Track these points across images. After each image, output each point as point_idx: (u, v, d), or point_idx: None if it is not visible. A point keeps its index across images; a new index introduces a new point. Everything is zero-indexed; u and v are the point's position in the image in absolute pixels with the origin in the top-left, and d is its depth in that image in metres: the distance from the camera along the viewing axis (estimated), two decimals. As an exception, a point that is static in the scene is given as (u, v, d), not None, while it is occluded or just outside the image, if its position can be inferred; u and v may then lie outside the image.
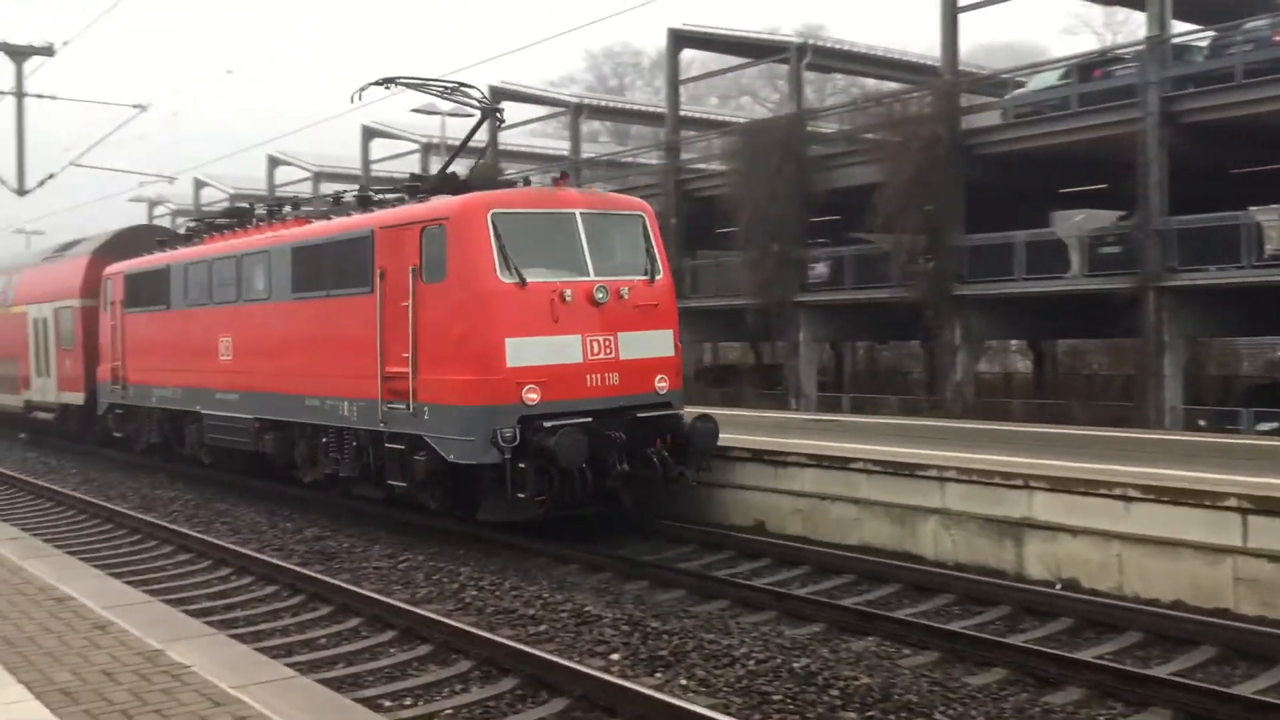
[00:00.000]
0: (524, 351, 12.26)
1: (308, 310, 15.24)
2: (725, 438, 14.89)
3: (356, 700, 6.65)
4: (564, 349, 12.48)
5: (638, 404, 12.99)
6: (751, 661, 8.21)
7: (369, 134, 43.88)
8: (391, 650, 8.97)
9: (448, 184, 14.21)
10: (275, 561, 11.91)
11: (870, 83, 37.96)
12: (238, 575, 11.88)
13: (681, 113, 34.00)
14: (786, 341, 28.33)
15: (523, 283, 12.33)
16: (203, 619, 8.60)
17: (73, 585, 7.62)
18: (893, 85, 31.32)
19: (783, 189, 27.34)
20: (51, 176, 25.15)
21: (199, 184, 53.47)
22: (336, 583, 10.73)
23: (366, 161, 44.74)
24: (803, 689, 7.66)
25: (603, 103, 44.49)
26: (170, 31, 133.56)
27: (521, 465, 11.93)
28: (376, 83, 14.68)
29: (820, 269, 27.77)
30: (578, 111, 37.55)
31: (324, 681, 7.28)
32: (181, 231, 21.45)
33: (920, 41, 43.97)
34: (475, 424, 12.13)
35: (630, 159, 42.50)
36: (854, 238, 27.97)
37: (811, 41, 30.78)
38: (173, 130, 31.58)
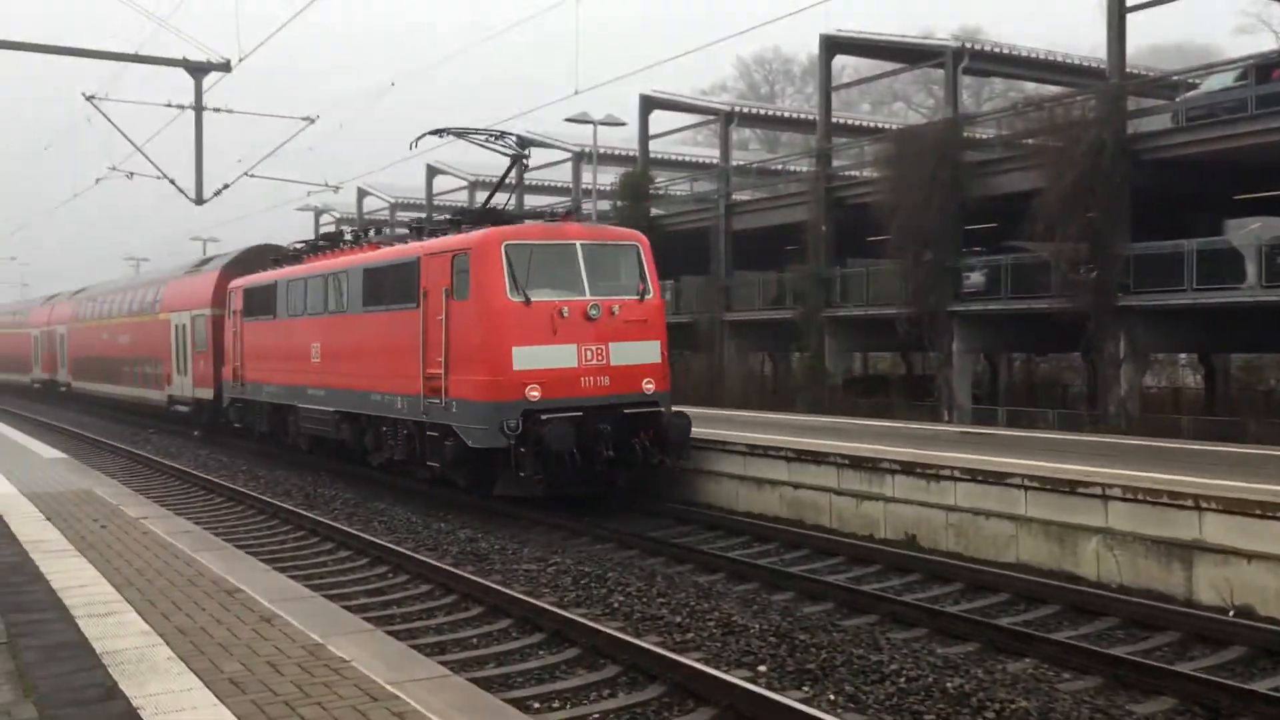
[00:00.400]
0: (528, 357, 14.90)
1: (373, 321, 18.18)
2: (875, 449, 14.72)
3: (506, 701, 6.74)
4: (561, 355, 15.11)
5: (625, 402, 15.46)
6: (902, 679, 8.03)
7: (523, 143, 44.69)
8: (540, 652, 9.08)
9: (488, 217, 17.05)
10: (430, 561, 12.16)
11: (1030, 86, 36.87)
12: (394, 573, 12.20)
13: (833, 119, 33.61)
14: (939, 352, 27.66)
15: (528, 301, 15.01)
16: (361, 615, 8.85)
17: (241, 578, 7.93)
18: (1054, 89, 30.32)
19: (937, 196, 26.72)
20: (226, 186, 26.33)
21: (362, 193, 55.38)
22: (488, 584, 10.90)
23: (520, 170, 45.59)
24: (956, 710, 7.45)
25: (753, 110, 44.28)
26: (337, 46, 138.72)
27: (522, 450, 14.65)
28: (431, 133, 17.77)
29: (975, 278, 27.02)
30: (728, 119, 37.49)
31: (475, 680, 7.41)
32: (291, 252, 24.46)
33: (1084, 43, 42.45)
34: (488, 415, 14.87)
35: (780, 166, 42.23)
36: (1011, 246, 27.14)
37: (968, 45, 30.03)
38: (339, 141, 32.73)
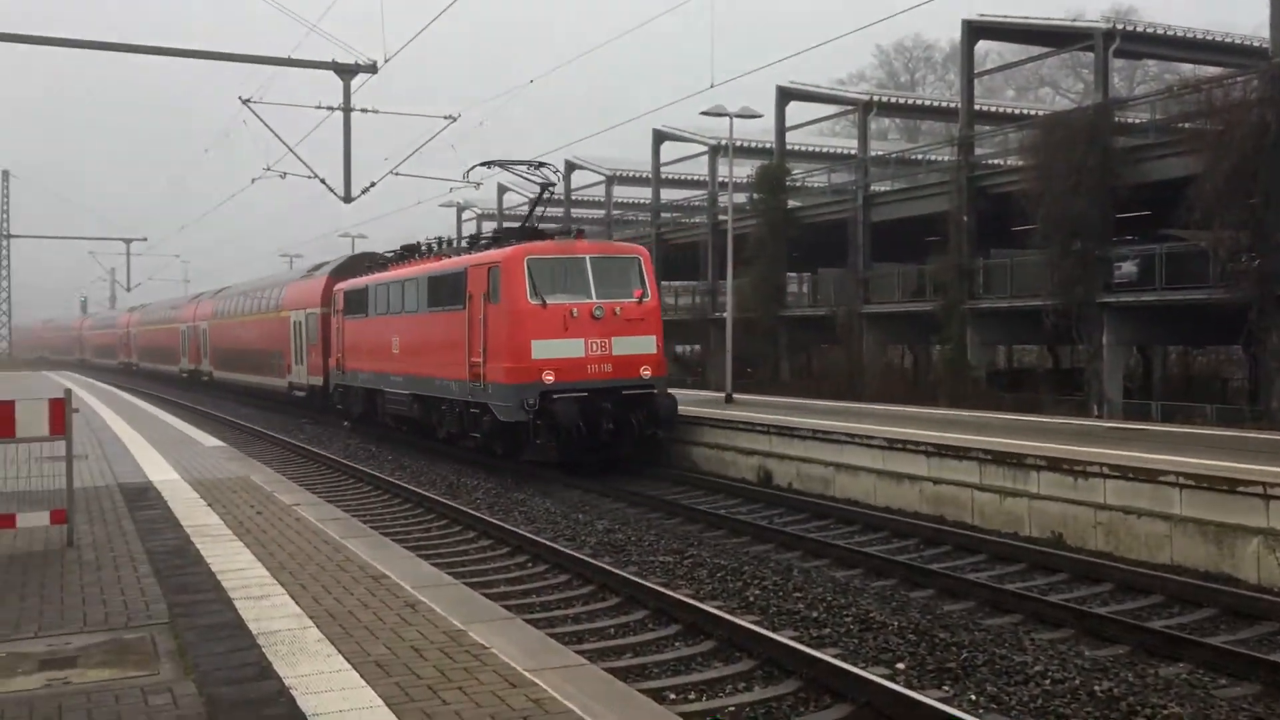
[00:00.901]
0: (544, 349, 18.48)
1: (434, 319, 21.98)
2: (1019, 444, 14.36)
3: (642, 691, 6.78)
4: (572, 347, 18.62)
5: (625, 386, 18.89)
6: (1048, 681, 7.81)
7: (659, 137, 44.87)
8: (676, 644, 9.11)
9: (527, 234, 20.96)
10: (568, 551, 12.32)
11: (1187, 68, 35.28)
12: (533, 562, 12.40)
13: (976, 106, 32.77)
14: (1088, 345, 26.77)
15: (544, 304, 18.59)
16: (501, 603, 8.98)
17: (387, 565, 8.15)
18: (1213, 70, 28.95)
19: (1086, 183, 25.84)
20: (373, 185, 27.13)
21: (502, 189, 56.39)
22: (625, 575, 10.99)
23: (657, 165, 45.77)
24: (1105, 714, 7.21)
25: (892, 99, 43.51)
26: (478, 46, 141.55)
27: (538, 422, 18.29)
28: (481, 164, 22.00)
29: (1127, 268, 26.05)
30: (866, 109, 36.89)
31: (612, 670, 7.46)
32: (381, 260, 28.53)
33: (1246, 22, 40.46)
34: (513, 395, 18.56)
35: (920, 156, 41.40)
36: (1165, 234, 26.09)
37: (1120, 26, 28.93)
38: (480, 138, 33.41)
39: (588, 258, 19.18)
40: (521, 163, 21.63)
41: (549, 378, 18.40)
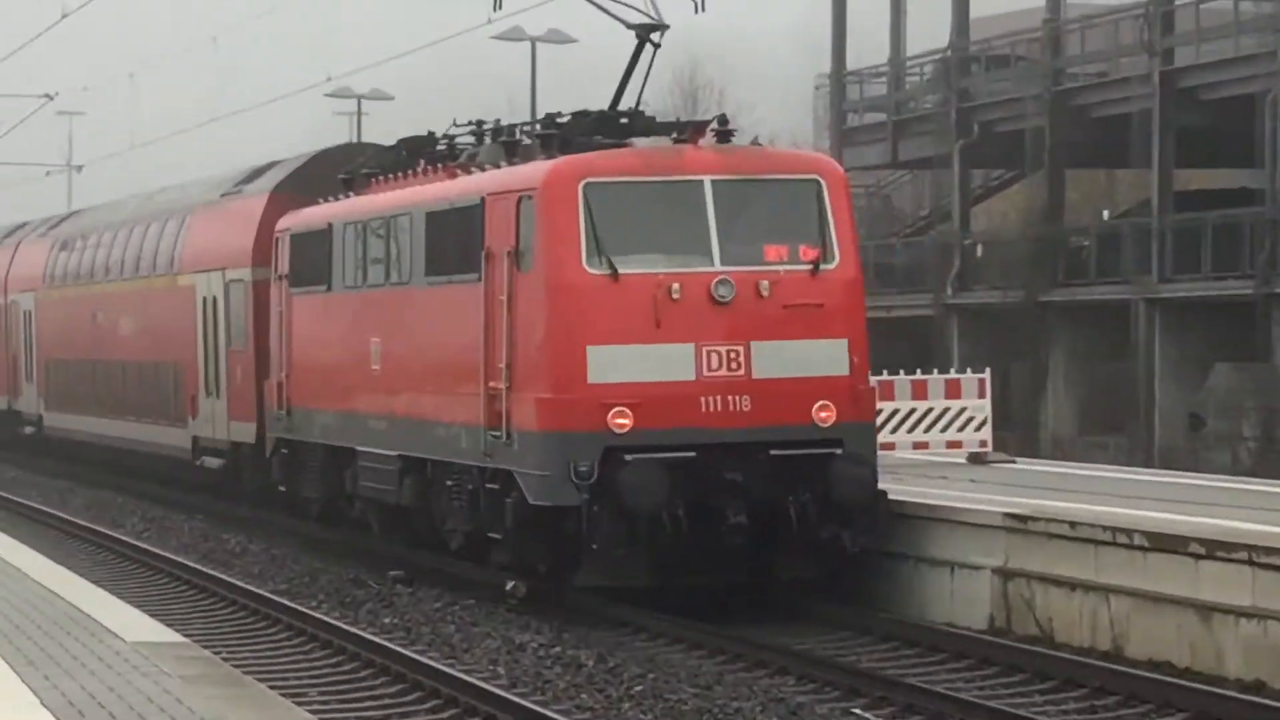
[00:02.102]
0: (613, 363, 16.57)
1: (433, 302, 20.47)
2: None
3: None
4: (668, 362, 16.53)
5: (777, 438, 16.65)
6: None
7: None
8: None
9: (624, 130, 18.81)
10: None
11: None
12: None
13: None
14: None
15: (615, 274, 16.53)
16: None
17: None
18: None
19: None
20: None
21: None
22: None
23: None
24: None
25: None
26: None
27: (596, 508, 16.23)
28: None
29: None
30: None
31: None
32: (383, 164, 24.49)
33: None
34: (550, 454, 16.77)
35: None
36: None
37: None
38: None
39: (707, 180, 16.76)
40: None
41: (621, 421, 16.27)
